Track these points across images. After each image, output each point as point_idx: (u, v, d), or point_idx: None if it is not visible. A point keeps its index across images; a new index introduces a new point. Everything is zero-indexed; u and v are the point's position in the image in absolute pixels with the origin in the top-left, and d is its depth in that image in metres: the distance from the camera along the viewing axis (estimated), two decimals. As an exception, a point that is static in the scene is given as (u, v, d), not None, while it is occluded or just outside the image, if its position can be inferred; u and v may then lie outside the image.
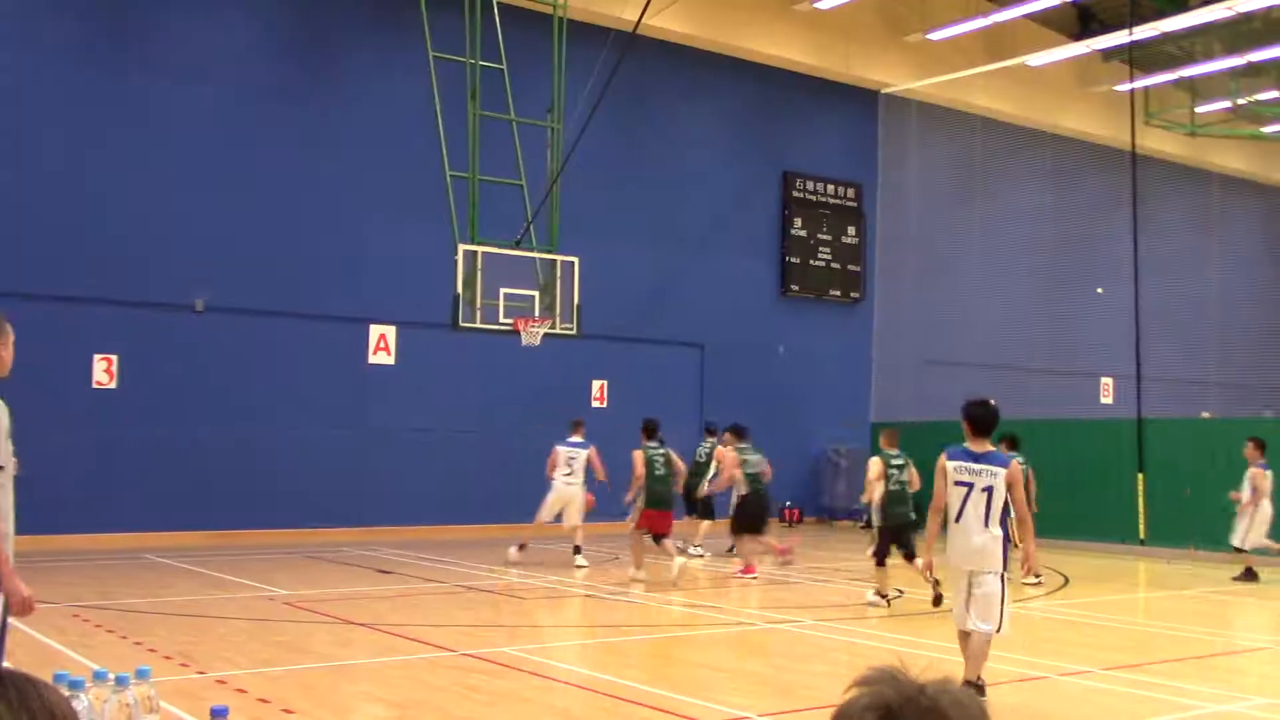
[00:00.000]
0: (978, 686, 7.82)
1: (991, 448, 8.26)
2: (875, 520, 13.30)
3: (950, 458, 8.14)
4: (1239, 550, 15.94)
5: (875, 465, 13.27)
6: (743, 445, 15.86)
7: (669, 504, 14.86)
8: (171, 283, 18.48)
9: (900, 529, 12.91)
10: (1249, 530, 15.87)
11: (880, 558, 12.82)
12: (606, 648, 10.65)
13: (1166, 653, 10.20)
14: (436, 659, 9.32)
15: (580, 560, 16.06)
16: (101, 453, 17.76)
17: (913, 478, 13.30)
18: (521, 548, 16.33)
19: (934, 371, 26.51)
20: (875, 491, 13.15)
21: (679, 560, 14.41)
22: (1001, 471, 8.05)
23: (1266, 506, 15.85)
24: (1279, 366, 33.80)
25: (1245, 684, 9.28)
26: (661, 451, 14.83)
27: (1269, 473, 15.91)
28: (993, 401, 8.36)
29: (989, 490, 8.03)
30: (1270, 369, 32.80)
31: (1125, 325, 21.05)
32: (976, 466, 8.06)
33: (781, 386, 24.73)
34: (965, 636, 8.15)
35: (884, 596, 12.62)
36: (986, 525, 8.02)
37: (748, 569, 15.32)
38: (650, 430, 15.00)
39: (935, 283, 26.53)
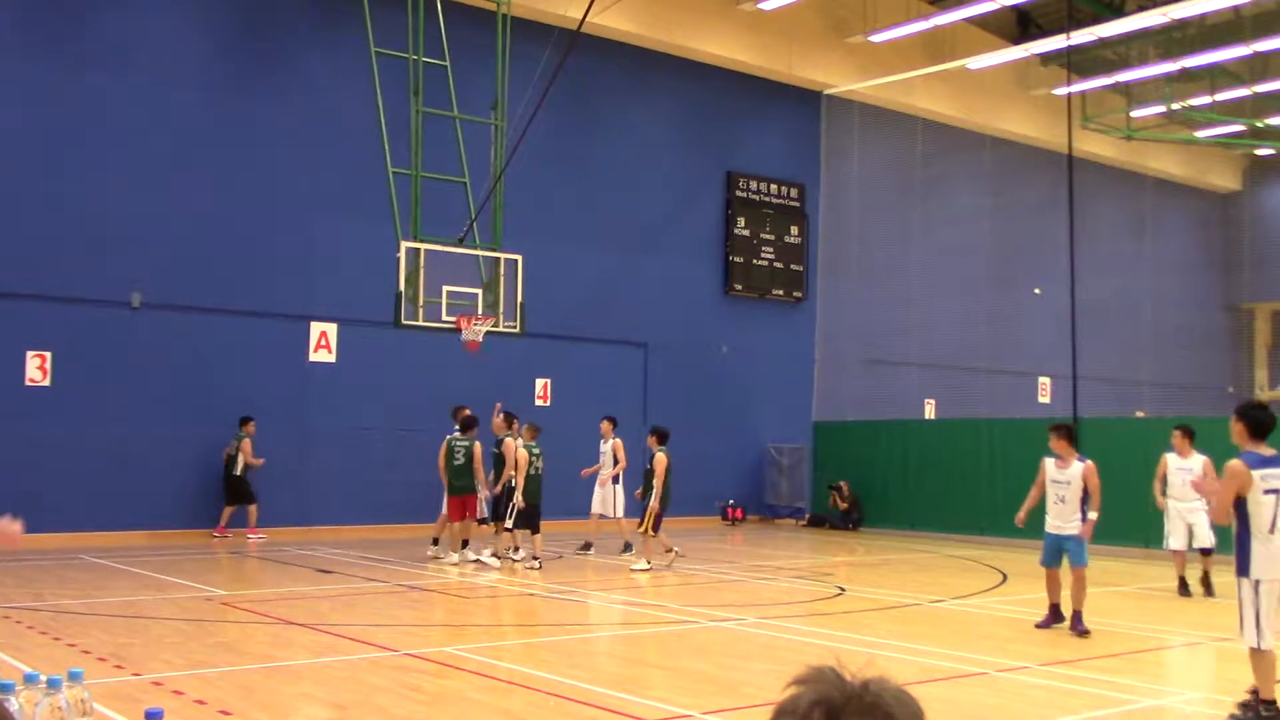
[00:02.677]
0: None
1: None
2: (517, 498, 15.90)
3: (1254, 465, 7.55)
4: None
5: (522, 456, 15.90)
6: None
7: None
8: (107, 278, 18.17)
9: (537, 507, 16.03)
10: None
11: (513, 526, 15.95)
12: (549, 646, 10.63)
13: (1102, 648, 10.34)
14: (378, 659, 9.25)
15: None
16: (35, 451, 17.42)
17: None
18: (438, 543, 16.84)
19: (875, 370, 26.76)
20: (521, 475, 15.85)
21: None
22: None
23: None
24: (1211, 366, 34.55)
25: (1178, 679, 9.45)
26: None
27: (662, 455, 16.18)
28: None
29: None
30: (1201, 369, 33.48)
31: (1062, 326, 21.36)
32: (1278, 471, 7.66)
33: (724, 385, 24.83)
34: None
35: (499, 557, 15.94)
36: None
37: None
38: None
39: (877, 283, 26.77)
